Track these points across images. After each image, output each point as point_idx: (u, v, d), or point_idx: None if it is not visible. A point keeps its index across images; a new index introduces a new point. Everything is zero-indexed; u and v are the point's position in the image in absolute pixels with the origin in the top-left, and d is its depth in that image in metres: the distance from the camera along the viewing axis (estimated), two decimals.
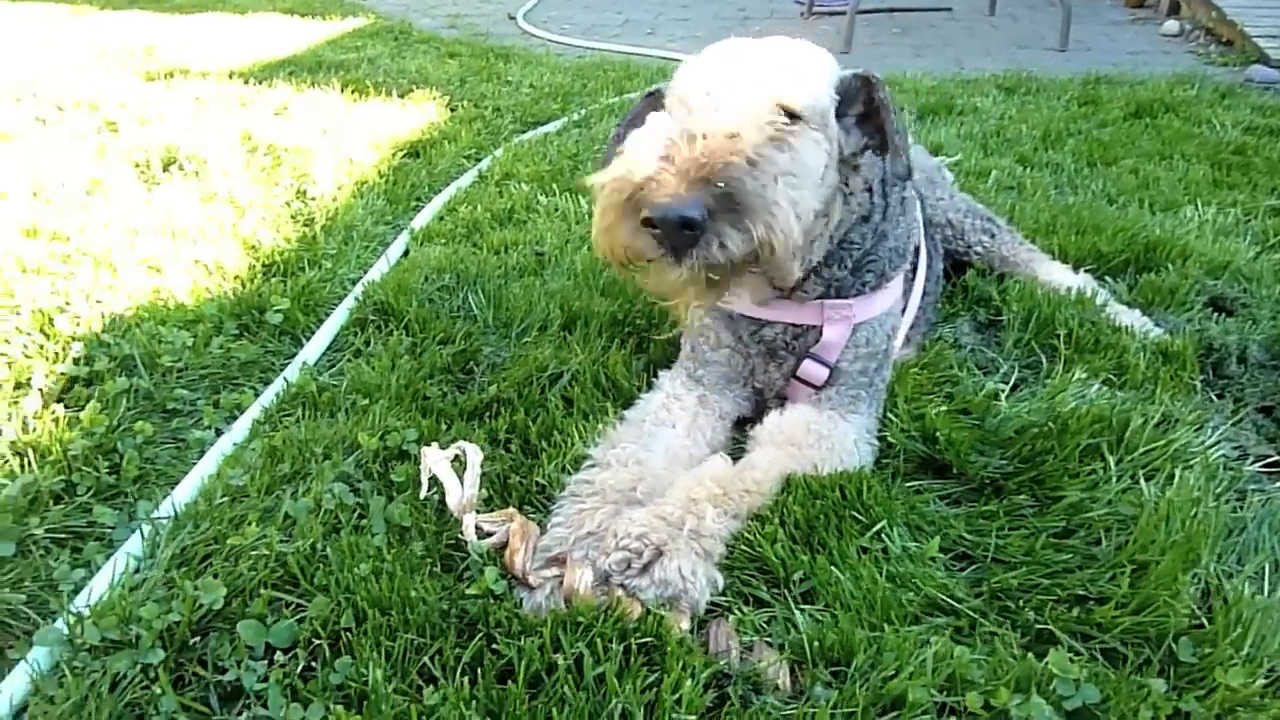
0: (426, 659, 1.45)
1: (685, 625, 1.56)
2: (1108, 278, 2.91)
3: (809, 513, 1.77)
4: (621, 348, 2.38)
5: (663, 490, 1.79)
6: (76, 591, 1.64)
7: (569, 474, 1.89)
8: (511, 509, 1.74)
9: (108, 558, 1.72)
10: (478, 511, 1.72)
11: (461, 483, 1.71)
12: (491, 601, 1.56)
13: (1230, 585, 1.65)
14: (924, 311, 2.47)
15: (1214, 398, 2.31)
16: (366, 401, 2.17)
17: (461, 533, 1.69)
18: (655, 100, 1.90)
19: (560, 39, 7.49)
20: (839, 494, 1.82)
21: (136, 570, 1.69)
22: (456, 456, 1.77)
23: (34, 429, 2.04)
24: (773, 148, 1.57)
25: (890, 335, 2.13)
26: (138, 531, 1.77)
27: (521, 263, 2.91)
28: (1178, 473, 1.91)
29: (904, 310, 2.33)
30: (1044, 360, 2.43)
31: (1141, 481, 1.87)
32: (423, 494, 1.79)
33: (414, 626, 1.50)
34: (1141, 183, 3.61)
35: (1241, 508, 1.90)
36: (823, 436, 1.95)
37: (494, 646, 1.47)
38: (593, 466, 1.88)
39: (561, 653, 1.45)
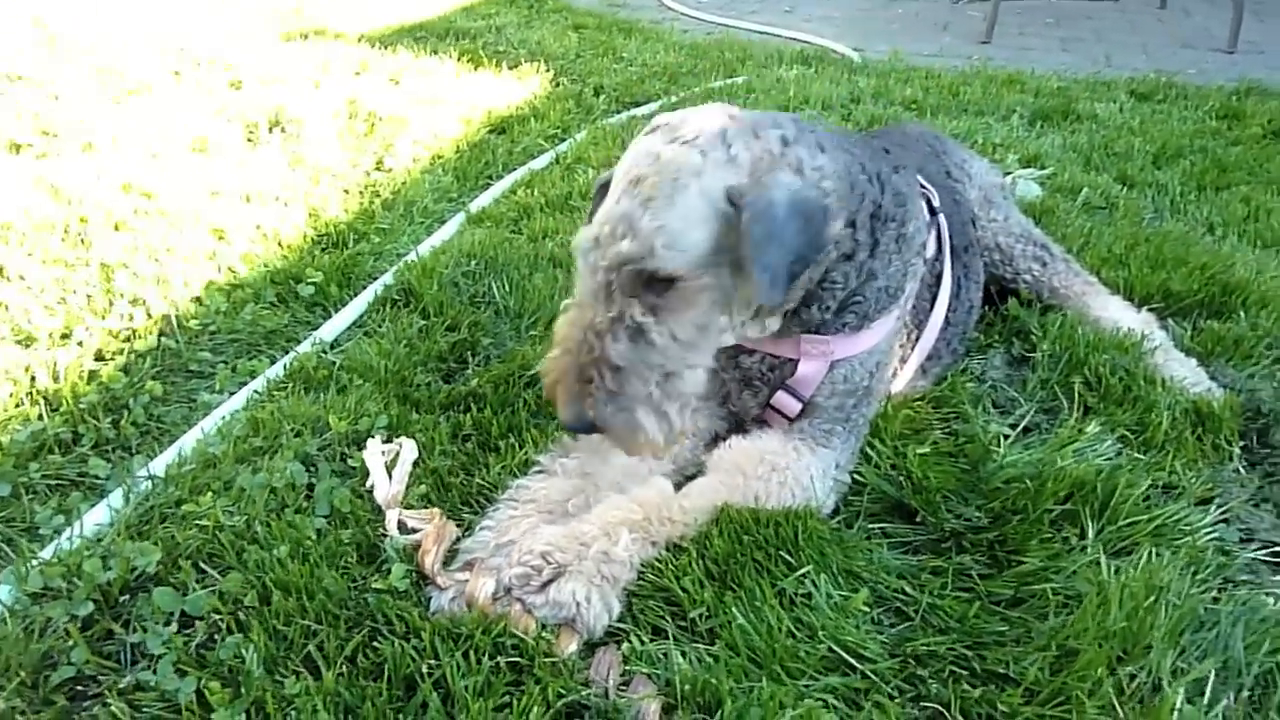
0: (311, 647, 1.52)
1: (573, 647, 1.57)
2: (1174, 319, 2.68)
3: (731, 548, 1.74)
4: None
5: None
6: (54, 537, 1.81)
7: (516, 477, 1.92)
8: (436, 510, 1.79)
9: (90, 508, 1.89)
10: (406, 507, 1.78)
11: (390, 478, 1.77)
12: (391, 599, 1.62)
13: (1170, 688, 1.51)
14: (947, 343, 2.34)
15: (1241, 469, 2.10)
16: (360, 382, 2.26)
17: (384, 526, 1.75)
18: (603, 191, 1.83)
19: (694, 14, 7.42)
20: (772, 531, 1.78)
21: (111, 524, 1.85)
22: (396, 453, 1.84)
23: (60, 379, 2.24)
24: (639, 351, 1.66)
25: (874, 372, 2.04)
26: (120, 487, 1.93)
27: (555, 252, 2.94)
28: (1153, 552, 1.76)
29: (916, 340, 2.24)
30: (1066, 406, 2.27)
31: (1102, 557, 1.73)
32: (366, 485, 1.86)
33: (311, 613, 1.57)
34: (1250, 214, 3.28)
35: (1223, 599, 1.74)
36: (775, 469, 1.89)
37: (374, 644, 1.53)
38: (540, 473, 1.91)
39: (435, 660, 1.49)
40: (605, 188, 1.80)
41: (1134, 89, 4.89)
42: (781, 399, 2.02)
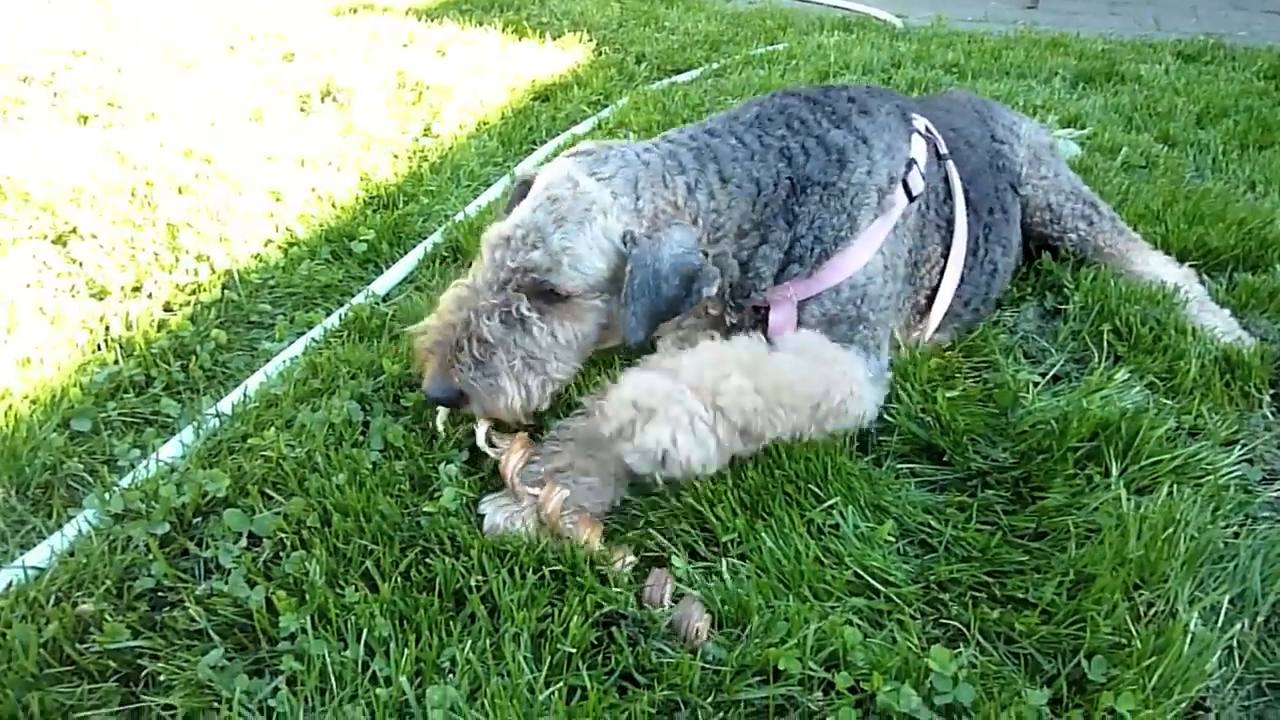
0: (369, 564, 1.64)
1: (630, 559, 1.68)
2: (1210, 273, 2.69)
3: (764, 479, 1.83)
4: None
5: None
6: (131, 468, 1.95)
7: (558, 418, 2.02)
8: (521, 433, 1.90)
9: (164, 443, 2.03)
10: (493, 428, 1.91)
11: None
12: (443, 519, 1.73)
13: (1184, 612, 1.57)
14: (965, 302, 2.37)
15: (1269, 414, 2.14)
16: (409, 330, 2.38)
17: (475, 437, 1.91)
18: (523, 189, 2.06)
19: None
20: (803, 465, 1.86)
21: (182, 456, 1.98)
22: None
23: (132, 327, 2.38)
24: (509, 335, 1.85)
25: (859, 302, 2.08)
26: (190, 424, 2.06)
27: None
28: (1175, 488, 1.81)
29: (936, 286, 2.29)
30: (1096, 355, 2.31)
31: (1124, 494, 1.79)
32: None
33: (368, 534, 1.69)
34: None
35: (1243, 534, 1.79)
36: (839, 361, 1.96)
37: (427, 561, 1.64)
38: (581, 414, 2.00)
39: (483, 575, 1.60)
40: (525, 186, 2.03)
41: (1180, 50, 4.83)
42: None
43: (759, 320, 2.11)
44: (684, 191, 1.96)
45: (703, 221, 1.97)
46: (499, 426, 1.94)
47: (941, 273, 2.29)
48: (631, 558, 1.70)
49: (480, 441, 1.90)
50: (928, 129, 2.30)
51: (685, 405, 1.70)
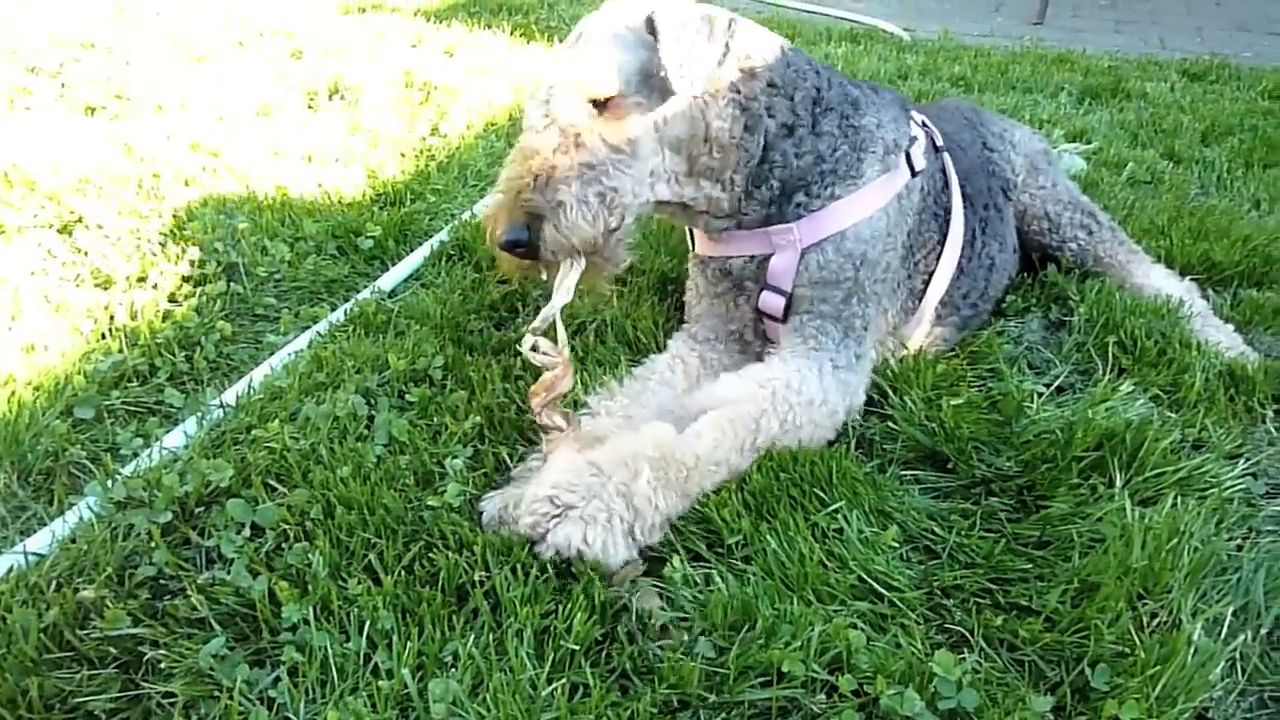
0: (372, 557, 1.64)
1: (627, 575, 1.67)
2: (1214, 289, 2.70)
3: (768, 482, 1.82)
4: (661, 302, 2.47)
5: None
6: (134, 457, 1.94)
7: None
8: (566, 356, 1.89)
9: (167, 432, 2.02)
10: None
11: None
12: (446, 514, 1.72)
13: (1188, 623, 1.57)
14: (964, 295, 2.39)
15: (1273, 429, 2.14)
16: (418, 327, 2.38)
17: (520, 344, 1.91)
18: None
19: None
20: (808, 469, 1.86)
21: (185, 446, 1.98)
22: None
23: (137, 317, 2.38)
24: (561, 155, 1.80)
25: (857, 265, 2.08)
26: (194, 414, 2.06)
27: None
28: (1178, 500, 1.82)
29: (931, 271, 2.30)
30: (1101, 367, 2.31)
31: (1128, 504, 1.79)
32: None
33: (371, 527, 1.69)
34: None
35: (1246, 547, 1.79)
36: (773, 392, 1.92)
37: (430, 555, 1.64)
38: (585, 414, 2.00)
39: (486, 572, 1.59)
40: None
41: (1186, 69, 4.86)
42: (766, 299, 2.12)
43: (761, 265, 2.12)
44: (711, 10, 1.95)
45: (734, 49, 1.93)
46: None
47: (938, 259, 2.30)
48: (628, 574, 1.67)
49: (525, 348, 1.88)
50: (924, 122, 2.33)
51: (604, 501, 1.66)
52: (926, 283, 2.30)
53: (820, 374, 1.98)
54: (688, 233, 2.31)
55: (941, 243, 2.30)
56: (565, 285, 1.86)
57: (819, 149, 2.07)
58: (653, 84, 1.88)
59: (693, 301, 2.29)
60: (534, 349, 1.87)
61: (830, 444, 1.99)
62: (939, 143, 2.33)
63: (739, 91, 1.99)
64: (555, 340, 1.89)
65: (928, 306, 2.28)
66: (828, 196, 2.07)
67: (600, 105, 1.84)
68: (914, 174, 2.20)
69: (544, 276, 1.90)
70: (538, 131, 1.85)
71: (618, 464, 1.70)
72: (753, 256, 2.13)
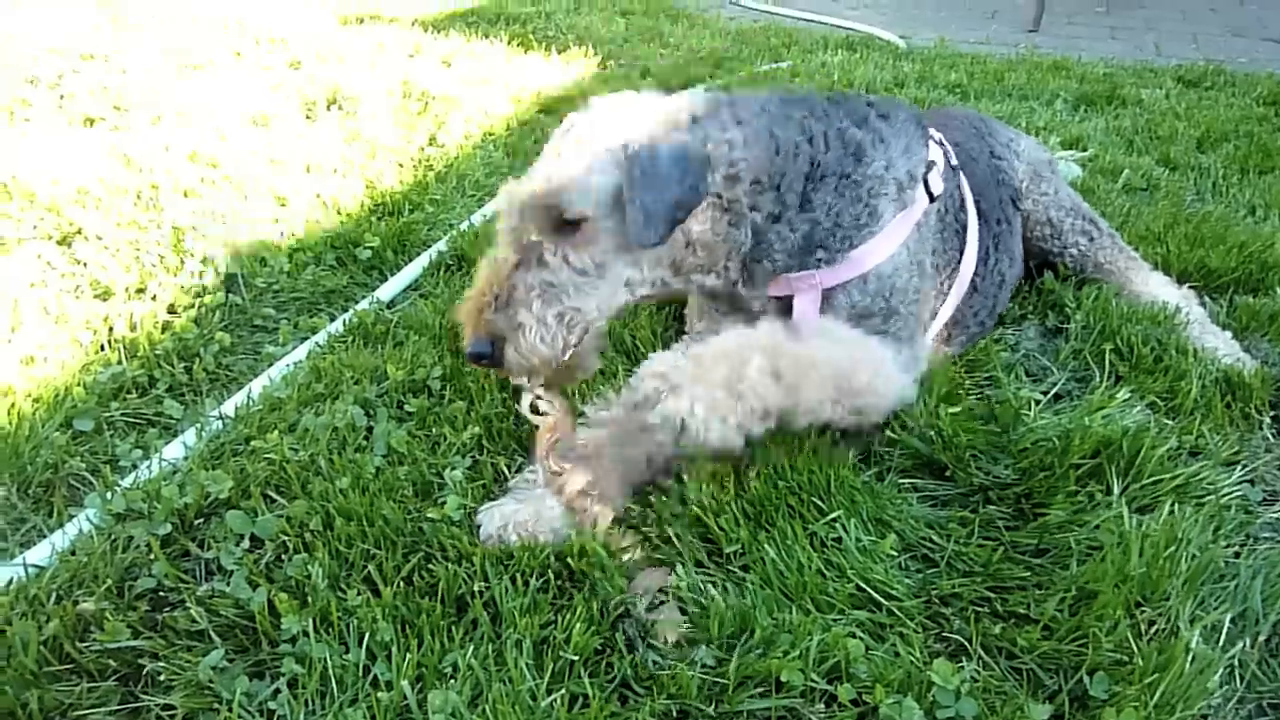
0: (371, 568, 1.64)
1: (635, 550, 1.71)
2: (1211, 295, 2.71)
3: (767, 490, 1.83)
4: (659, 312, 2.48)
5: None
6: (133, 469, 1.94)
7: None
8: (564, 403, 1.91)
9: (167, 443, 2.02)
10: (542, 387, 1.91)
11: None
12: (446, 527, 1.73)
13: (1186, 631, 1.58)
14: (974, 313, 2.40)
15: (1270, 436, 2.15)
16: (416, 337, 2.38)
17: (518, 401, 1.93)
18: None
19: (743, 2, 7.47)
20: (806, 477, 1.87)
21: (185, 457, 1.98)
22: None
23: (136, 328, 2.38)
24: (529, 275, 1.82)
25: (888, 295, 2.08)
26: (193, 426, 2.06)
27: None
28: (1176, 507, 1.82)
29: (947, 290, 2.30)
30: (1097, 374, 2.32)
31: (1125, 511, 1.79)
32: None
33: (371, 538, 1.69)
34: None
35: (1243, 554, 1.79)
36: (864, 342, 1.96)
37: (429, 566, 1.64)
38: (580, 424, 2.00)
39: (485, 582, 1.60)
40: None
41: (1181, 76, 4.88)
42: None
43: (783, 310, 2.10)
44: (687, 119, 1.91)
45: (714, 151, 1.90)
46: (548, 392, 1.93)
47: (955, 276, 2.30)
48: (639, 551, 1.70)
49: (524, 408, 1.90)
50: (940, 140, 2.33)
51: (709, 384, 1.70)
52: (942, 301, 2.30)
53: (892, 363, 1.99)
54: None
55: (959, 259, 2.30)
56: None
57: (815, 218, 2.03)
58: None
59: (694, 318, 2.28)
60: (534, 409, 1.89)
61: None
62: (954, 161, 2.33)
63: (720, 196, 1.95)
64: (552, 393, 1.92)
65: (936, 325, 2.28)
66: (846, 248, 2.05)
67: (570, 225, 1.83)
68: (931, 199, 2.19)
69: (514, 380, 1.92)
70: (507, 243, 1.87)
71: (729, 352, 1.74)
72: (774, 299, 2.11)
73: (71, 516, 1.80)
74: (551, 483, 1.79)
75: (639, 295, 1.97)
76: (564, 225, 1.83)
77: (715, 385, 1.70)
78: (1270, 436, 2.15)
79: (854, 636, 1.54)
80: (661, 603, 1.62)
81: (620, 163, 1.81)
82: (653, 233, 1.79)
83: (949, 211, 2.27)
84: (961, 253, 2.31)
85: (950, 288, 2.30)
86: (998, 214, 2.48)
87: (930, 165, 2.19)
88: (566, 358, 1.84)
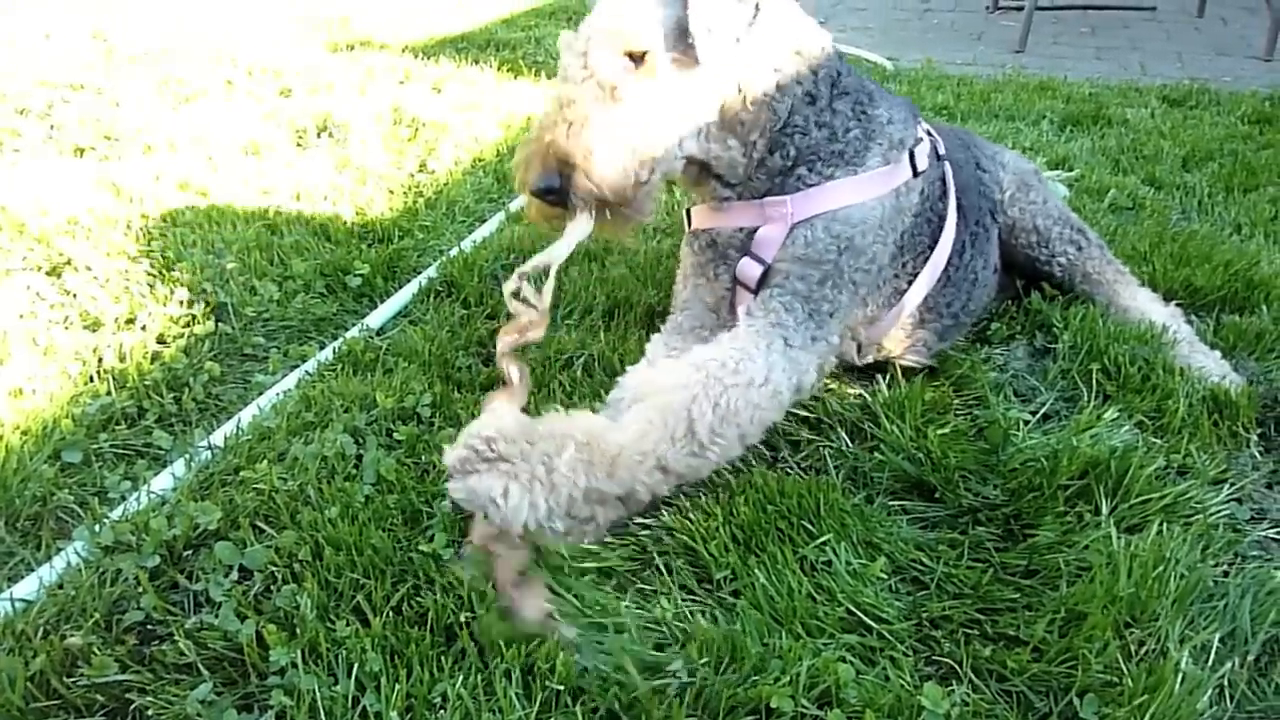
0: (360, 598, 1.63)
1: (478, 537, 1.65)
2: (1197, 314, 2.73)
3: (756, 515, 1.83)
4: (647, 336, 2.48)
5: None
6: (122, 500, 1.94)
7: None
8: (541, 312, 1.88)
9: (155, 475, 2.02)
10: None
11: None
12: (433, 563, 1.72)
13: (1175, 651, 1.58)
14: (948, 304, 2.40)
15: (1257, 454, 2.15)
16: (406, 364, 2.39)
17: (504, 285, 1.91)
18: None
19: None
20: (795, 501, 1.87)
21: (174, 489, 1.97)
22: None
23: (125, 359, 2.38)
24: (596, 106, 1.83)
25: (841, 248, 2.07)
26: (182, 456, 2.06)
27: (591, 248, 3.05)
28: (1164, 527, 1.83)
29: (914, 276, 2.32)
30: (1085, 393, 2.33)
31: (1114, 532, 1.80)
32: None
33: (360, 568, 1.69)
34: (1277, 214, 3.32)
35: (1232, 573, 1.80)
36: (708, 374, 1.83)
37: (418, 597, 1.64)
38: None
39: (472, 613, 1.59)
40: None
41: (1166, 95, 4.92)
42: (744, 266, 2.13)
43: (749, 236, 2.15)
44: None
45: (762, 15, 1.99)
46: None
47: (925, 262, 2.33)
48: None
49: (508, 291, 1.88)
50: (929, 130, 2.36)
51: (530, 466, 1.60)
52: (911, 282, 2.31)
53: (768, 351, 1.91)
54: (684, 217, 2.33)
55: (931, 248, 2.33)
56: (571, 237, 1.88)
57: (834, 124, 2.12)
58: (690, 39, 1.90)
59: (680, 287, 2.32)
60: (516, 294, 1.87)
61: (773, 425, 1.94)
62: (941, 151, 2.38)
63: (769, 53, 2.05)
64: (540, 289, 1.89)
65: (908, 305, 2.29)
66: (827, 175, 2.11)
67: (637, 59, 1.87)
68: (915, 174, 2.24)
69: (578, 207, 1.89)
70: (574, 82, 1.88)
71: (548, 436, 1.65)
72: (742, 228, 2.17)
73: (59, 549, 1.79)
74: (506, 375, 1.82)
75: (687, 149, 2.03)
76: (631, 58, 1.87)
77: (538, 465, 1.61)
78: (1257, 455, 2.16)
79: (844, 661, 1.53)
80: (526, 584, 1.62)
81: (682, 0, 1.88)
82: (717, 47, 1.88)
83: (929, 198, 2.31)
84: (935, 241, 2.34)
85: (919, 271, 2.32)
86: (977, 215, 2.51)
87: (918, 141, 2.25)
88: (634, 192, 1.88)
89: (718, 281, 2.23)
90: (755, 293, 2.12)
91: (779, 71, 2.07)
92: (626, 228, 1.96)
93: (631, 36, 1.86)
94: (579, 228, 1.88)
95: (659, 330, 2.33)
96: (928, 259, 2.32)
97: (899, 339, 2.36)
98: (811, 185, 2.10)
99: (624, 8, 1.89)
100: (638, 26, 1.86)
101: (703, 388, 1.80)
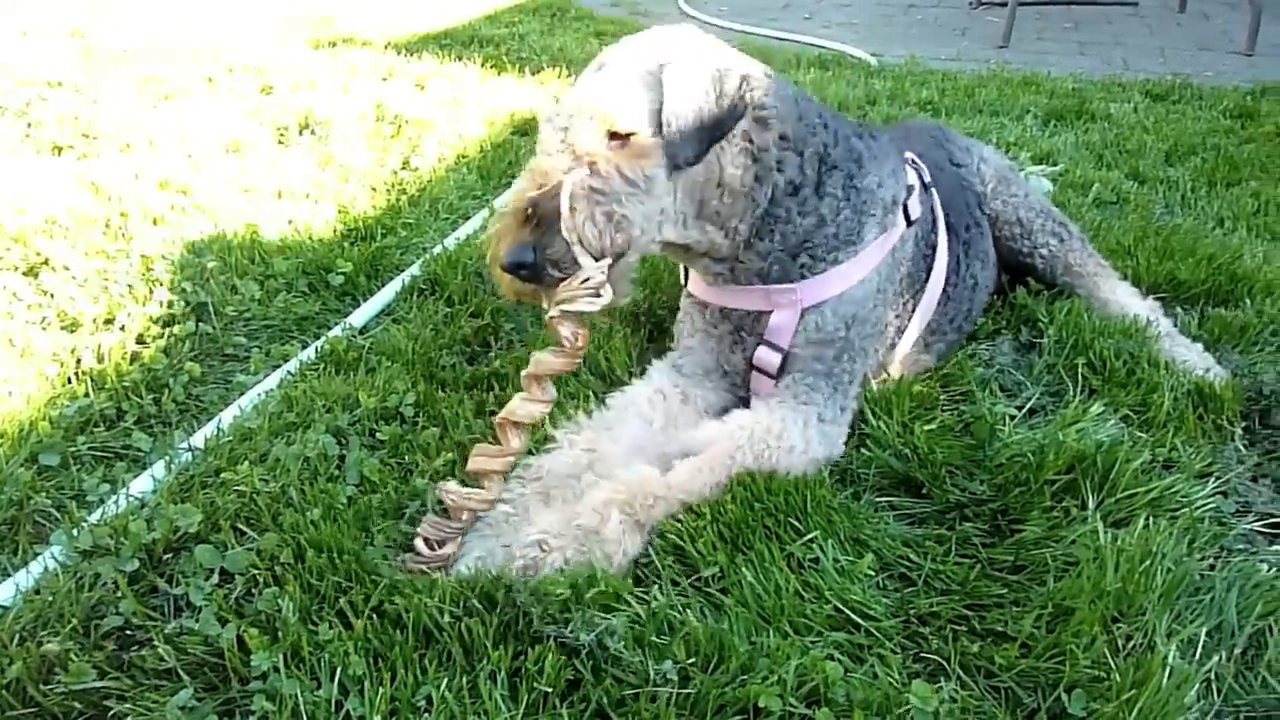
0: (343, 601, 1.61)
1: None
2: (1181, 307, 2.73)
3: (743, 513, 1.82)
4: (634, 334, 2.47)
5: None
6: (100, 504, 1.91)
7: (533, 452, 2.00)
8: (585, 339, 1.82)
9: (134, 477, 1.99)
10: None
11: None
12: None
13: (1162, 645, 1.58)
14: (950, 319, 2.42)
15: (1241, 447, 2.16)
16: (389, 363, 2.36)
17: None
18: None
19: (714, 21, 7.51)
20: (782, 499, 1.86)
21: (153, 491, 1.95)
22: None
23: (104, 360, 2.35)
24: (577, 176, 1.77)
25: (850, 324, 2.10)
26: (162, 458, 2.03)
27: None
28: (1150, 521, 1.83)
29: (913, 310, 2.32)
30: (1071, 388, 2.33)
31: (1100, 526, 1.79)
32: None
33: (342, 570, 1.67)
34: (1260, 208, 3.33)
35: (1218, 566, 1.80)
36: (751, 433, 1.96)
37: (395, 599, 1.61)
38: (554, 448, 1.99)
39: (454, 617, 1.57)
40: None
41: (1149, 90, 4.94)
42: (762, 355, 2.13)
43: (758, 319, 2.12)
44: (725, 58, 1.93)
45: (747, 90, 1.92)
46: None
47: (924, 291, 2.32)
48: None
49: (552, 312, 1.78)
50: (914, 159, 2.35)
51: (579, 544, 1.72)
52: (912, 314, 2.32)
53: (805, 425, 2.00)
54: (681, 269, 2.31)
55: (927, 276, 2.32)
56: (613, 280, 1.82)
57: (822, 211, 2.07)
58: (668, 126, 1.85)
59: (685, 334, 2.27)
60: (553, 322, 1.79)
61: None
62: (926, 179, 2.36)
63: (752, 141, 1.98)
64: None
65: (909, 337, 2.30)
66: (831, 261, 2.08)
67: (619, 138, 1.83)
68: (910, 224, 2.23)
69: (545, 304, 1.83)
70: (551, 155, 1.84)
71: (591, 512, 1.75)
72: (749, 311, 2.14)
73: (36, 554, 1.76)
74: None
75: (665, 234, 1.97)
76: (614, 137, 1.82)
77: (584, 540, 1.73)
78: (1242, 448, 2.16)
79: (832, 659, 1.52)
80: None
81: (668, 80, 1.84)
82: (688, 148, 1.83)
83: (922, 236, 2.30)
84: (930, 269, 2.33)
85: (915, 306, 2.31)
86: (966, 220, 2.51)
87: (910, 190, 2.22)
88: (610, 264, 1.80)
89: (733, 356, 2.20)
90: (776, 377, 2.12)
91: (758, 162, 2.00)
92: (597, 306, 1.81)
93: (617, 116, 1.81)
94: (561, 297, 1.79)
95: (650, 327, 2.32)
96: (924, 290, 2.33)
97: (901, 367, 2.36)
98: (818, 273, 2.08)
99: (610, 88, 1.84)
100: (625, 107, 1.82)
101: (748, 442, 1.94)
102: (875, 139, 2.24)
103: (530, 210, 1.75)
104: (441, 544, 1.76)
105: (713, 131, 1.86)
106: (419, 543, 1.75)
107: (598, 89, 1.85)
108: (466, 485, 1.80)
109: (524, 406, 1.79)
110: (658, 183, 1.88)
